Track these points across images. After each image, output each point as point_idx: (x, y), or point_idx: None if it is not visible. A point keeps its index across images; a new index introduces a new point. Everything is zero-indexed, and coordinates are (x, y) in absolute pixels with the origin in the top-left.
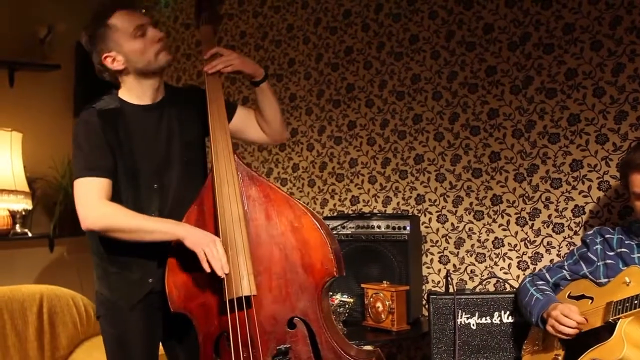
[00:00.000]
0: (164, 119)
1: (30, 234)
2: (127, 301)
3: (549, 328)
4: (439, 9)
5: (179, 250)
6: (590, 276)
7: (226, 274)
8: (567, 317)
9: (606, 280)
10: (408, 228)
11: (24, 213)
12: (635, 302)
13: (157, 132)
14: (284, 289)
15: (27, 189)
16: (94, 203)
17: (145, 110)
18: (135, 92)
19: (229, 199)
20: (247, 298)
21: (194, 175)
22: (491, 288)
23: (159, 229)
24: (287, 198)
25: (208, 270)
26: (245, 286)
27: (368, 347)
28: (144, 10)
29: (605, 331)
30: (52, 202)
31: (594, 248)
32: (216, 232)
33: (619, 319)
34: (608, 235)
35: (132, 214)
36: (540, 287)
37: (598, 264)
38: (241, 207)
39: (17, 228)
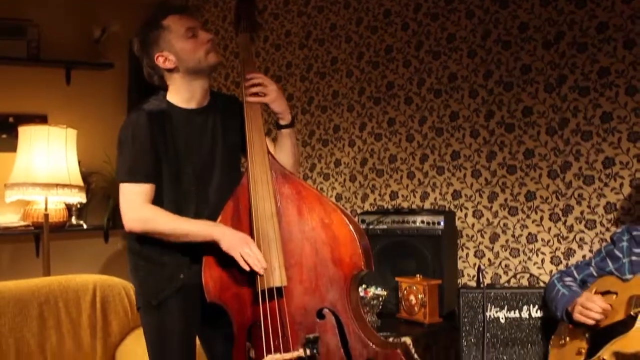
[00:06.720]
0: (209, 123)
1: (85, 226)
2: (155, 295)
3: (576, 315)
4: (476, 8)
5: (214, 246)
6: (616, 272)
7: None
8: (593, 303)
9: (631, 276)
10: (442, 223)
11: (79, 206)
12: None
13: (202, 135)
14: (314, 281)
15: (81, 183)
16: (136, 208)
17: (192, 114)
18: (183, 95)
19: (262, 197)
20: (279, 289)
21: (233, 180)
22: (525, 282)
23: (196, 232)
24: (318, 196)
25: (248, 269)
26: (277, 278)
27: (406, 339)
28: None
29: (627, 324)
30: (106, 196)
31: (620, 245)
32: (250, 227)
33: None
34: (635, 233)
35: (171, 217)
36: (567, 283)
37: (623, 260)
38: (274, 204)
39: (73, 220)
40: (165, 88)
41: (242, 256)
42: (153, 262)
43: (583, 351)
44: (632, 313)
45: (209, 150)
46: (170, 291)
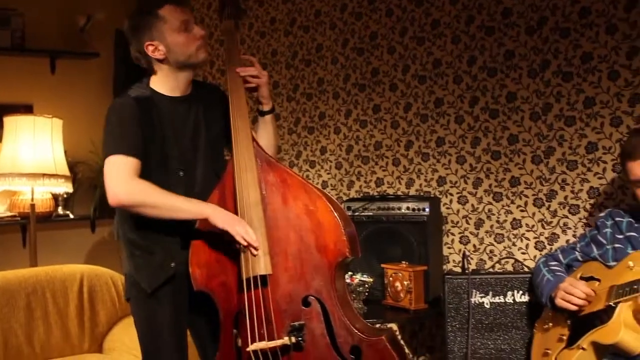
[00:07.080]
0: (191, 114)
1: (72, 216)
2: (150, 284)
3: (558, 300)
4: None
5: (201, 233)
6: (600, 258)
7: (244, 254)
8: (576, 288)
9: (614, 263)
10: (427, 210)
11: (65, 196)
12: (635, 287)
13: (184, 124)
14: (299, 268)
15: (67, 173)
16: (126, 179)
17: (175, 102)
18: (168, 84)
19: (247, 184)
20: (263, 277)
21: (217, 169)
22: (509, 268)
23: (187, 208)
24: (303, 183)
25: (245, 243)
26: (262, 266)
27: (392, 325)
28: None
29: (607, 314)
30: (93, 185)
31: (604, 231)
32: (235, 215)
33: (618, 302)
34: (618, 219)
35: (162, 191)
36: (552, 267)
37: (607, 247)
38: (258, 192)
39: (60, 210)
40: (150, 72)
41: (236, 234)
42: (145, 250)
43: (564, 338)
44: (611, 304)
45: (191, 140)
46: (164, 279)
